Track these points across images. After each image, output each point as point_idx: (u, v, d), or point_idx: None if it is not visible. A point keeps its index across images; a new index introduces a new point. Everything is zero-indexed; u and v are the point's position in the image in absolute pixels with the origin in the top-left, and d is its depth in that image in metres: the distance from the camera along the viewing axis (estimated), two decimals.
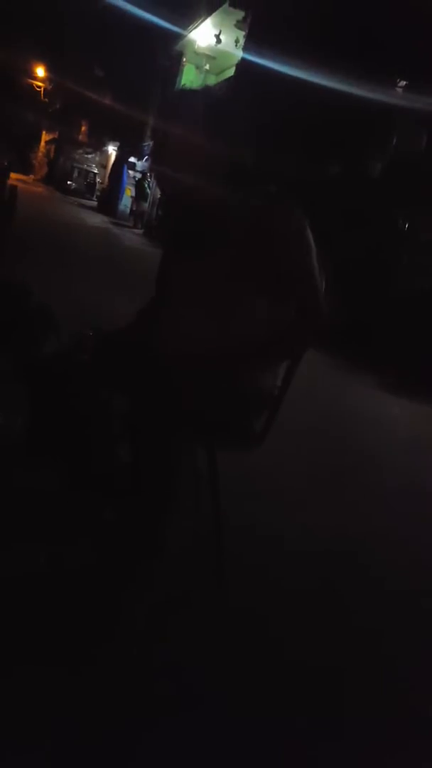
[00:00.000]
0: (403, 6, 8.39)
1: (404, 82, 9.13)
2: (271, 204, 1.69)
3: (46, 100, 28.08)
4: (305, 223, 1.67)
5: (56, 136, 30.75)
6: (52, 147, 31.56)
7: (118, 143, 25.38)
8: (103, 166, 29.54)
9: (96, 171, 30.67)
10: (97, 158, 30.43)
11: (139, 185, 21.62)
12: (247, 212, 1.66)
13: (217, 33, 17.80)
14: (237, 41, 16.62)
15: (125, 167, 23.84)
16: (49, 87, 27.49)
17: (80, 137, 29.36)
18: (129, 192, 23.41)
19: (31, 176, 30.32)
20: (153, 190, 21.36)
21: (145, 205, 21.05)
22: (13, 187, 3.31)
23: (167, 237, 1.99)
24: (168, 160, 1.75)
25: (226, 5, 15.81)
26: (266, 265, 1.63)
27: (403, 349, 6.88)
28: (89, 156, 30.52)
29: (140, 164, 22.98)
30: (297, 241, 1.65)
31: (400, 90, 9.14)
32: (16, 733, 1.25)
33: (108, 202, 23.81)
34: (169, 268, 1.86)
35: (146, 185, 21.28)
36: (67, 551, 1.80)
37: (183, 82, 20.70)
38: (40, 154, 33.19)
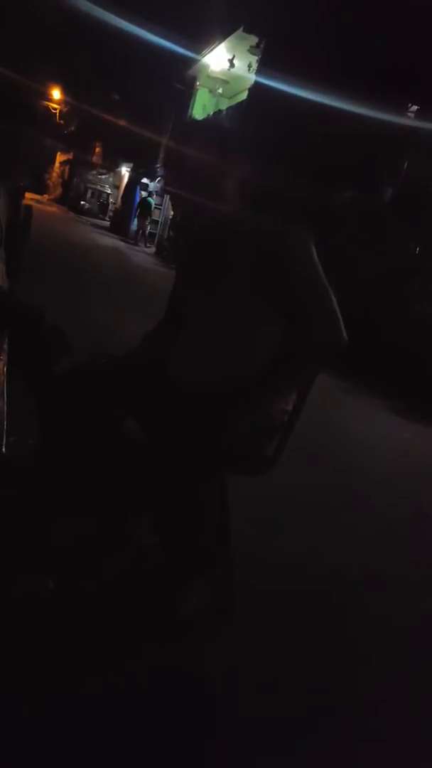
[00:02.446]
0: (414, 29, 8.50)
1: (416, 107, 9.20)
2: (279, 227, 1.69)
3: (62, 121, 28.54)
4: (311, 245, 1.66)
5: (71, 157, 31.21)
6: (67, 168, 32.02)
7: (131, 164, 25.72)
8: (117, 187, 29.91)
9: (109, 191, 31.04)
10: (111, 179, 30.82)
11: (142, 203, 21.90)
12: (255, 236, 1.66)
13: (230, 57, 18.09)
14: (250, 66, 16.88)
15: (138, 188, 24.13)
16: (65, 109, 27.97)
17: (94, 158, 29.79)
18: None
19: (46, 196, 30.74)
20: (165, 211, 21.62)
21: (146, 223, 21.40)
22: (29, 207, 3.33)
23: (179, 262, 1.99)
24: (181, 183, 1.76)
25: (239, 30, 16.08)
26: (276, 289, 1.63)
27: (414, 372, 6.85)
28: (103, 177, 30.92)
29: (153, 185, 23.27)
30: (303, 262, 1.64)
31: (411, 114, 9.22)
32: None
33: (121, 222, 24.10)
34: (181, 294, 1.86)
35: (150, 204, 21.59)
36: (73, 574, 1.79)
37: (196, 105, 21.02)
38: (54, 174, 33.68)
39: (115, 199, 29.62)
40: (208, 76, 20.15)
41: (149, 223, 21.68)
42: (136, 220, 22.36)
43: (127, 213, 24.16)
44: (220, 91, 20.31)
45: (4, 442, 1.20)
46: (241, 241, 1.67)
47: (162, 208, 22.11)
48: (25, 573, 1.70)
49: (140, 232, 21.53)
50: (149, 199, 22.11)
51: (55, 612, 1.63)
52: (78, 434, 1.71)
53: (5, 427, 1.26)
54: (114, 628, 1.66)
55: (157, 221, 22.29)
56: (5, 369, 1.56)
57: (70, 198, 30.16)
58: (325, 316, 1.63)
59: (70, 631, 1.59)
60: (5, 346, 1.71)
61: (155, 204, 22.13)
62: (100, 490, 1.81)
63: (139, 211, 21.97)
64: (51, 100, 28.23)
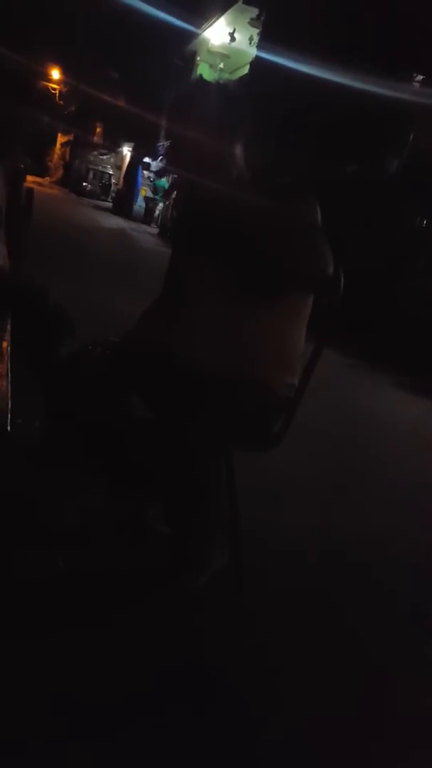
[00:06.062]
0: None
1: (421, 77, 9.02)
2: (284, 198, 1.66)
3: (62, 102, 28.24)
4: (316, 215, 1.64)
5: (71, 138, 30.92)
6: (68, 149, 31.74)
7: (132, 144, 25.47)
8: (118, 168, 29.67)
9: (111, 172, 30.79)
10: (112, 159, 30.56)
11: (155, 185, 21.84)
12: (258, 207, 1.61)
13: (231, 31, 17.79)
14: (251, 39, 16.60)
15: (140, 168, 23.92)
16: (65, 89, 27.66)
17: (95, 139, 29.51)
18: (144, 192, 23.51)
19: (47, 178, 30.53)
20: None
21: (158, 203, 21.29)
22: (30, 190, 3.30)
23: (179, 237, 1.96)
24: (181, 158, 1.71)
25: (239, 3, 15.79)
26: (280, 260, 1.59)
27: (420, 347, 6.82)
28: (104, 157, 30.66)
29: (155, 164, 23.06)
30: (305, 230, 1.60)
31: (417, 85, 9.04)
32: None
33: (123, 203, 23.93)
34: (181, 267, 1.84)
35: (163, 185, 21.49)
36: (82, 555, 1.80)
37: None
38: (55, 156, 33.41)
39: (117, 179, 29.39)
40: (209, 51, 19.84)
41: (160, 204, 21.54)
42: (145, 201, 22.20)
43: (129, 193, 23.97)
44: (221, 65, 20.01)
45: (8, 421, 1.19)
46: (243, 212, 1.62)
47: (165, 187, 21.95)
48: (34, 553, 1.72)
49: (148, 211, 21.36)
50: (160, 181, 21.97)
51: (65, 590, 1.64)
52: (82, 414, 1.70)
53: (9, 407, 1.25)
54: (121, 606, 1.67)
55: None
56: (9, 349, 1.55)
57: (71, 180, 29.95)
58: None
59: (79, 607, 1.61)
60: (8, 327, 1.70)
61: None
62: (106, 469, 1.81)
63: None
64: (50, 80, 27.91)
